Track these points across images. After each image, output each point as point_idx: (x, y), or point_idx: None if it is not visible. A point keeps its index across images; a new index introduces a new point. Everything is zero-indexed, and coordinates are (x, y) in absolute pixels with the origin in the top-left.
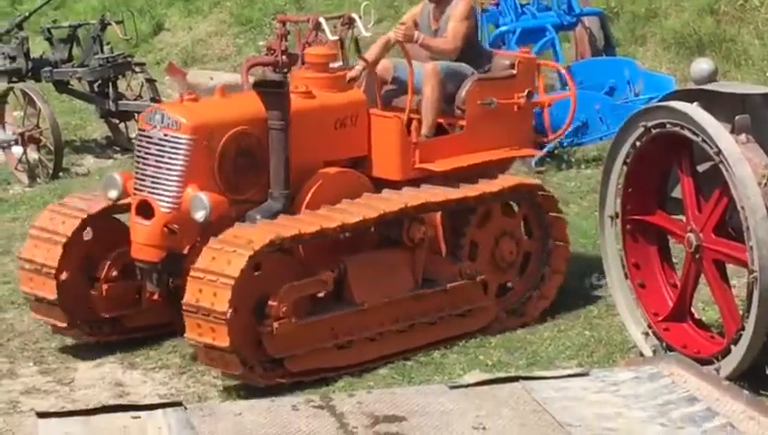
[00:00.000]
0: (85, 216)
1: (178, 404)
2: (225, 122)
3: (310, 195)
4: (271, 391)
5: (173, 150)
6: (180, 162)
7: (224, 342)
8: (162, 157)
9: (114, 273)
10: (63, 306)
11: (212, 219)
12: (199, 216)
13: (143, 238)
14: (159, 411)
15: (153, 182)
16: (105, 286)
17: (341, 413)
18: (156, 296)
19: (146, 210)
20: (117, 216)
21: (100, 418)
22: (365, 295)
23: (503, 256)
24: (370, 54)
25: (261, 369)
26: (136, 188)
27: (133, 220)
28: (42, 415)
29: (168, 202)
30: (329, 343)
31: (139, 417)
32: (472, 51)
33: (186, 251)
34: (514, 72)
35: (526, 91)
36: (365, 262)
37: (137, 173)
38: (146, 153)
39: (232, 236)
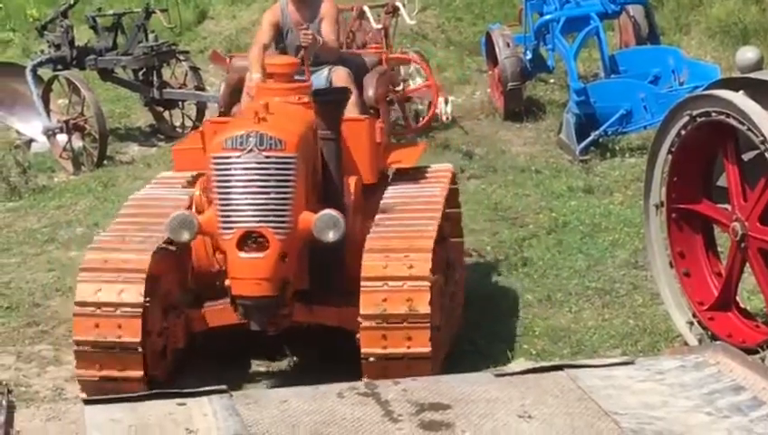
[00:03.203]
0: (145, 274)
1: (224, 391)
2: (304, 135)
3: (353, 203)
4: (315, 379)
5: (281, 172)
6: (290, 183)
7: (425, 346)
8: (268, 181)
9: (165, 324)
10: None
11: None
12: (332, 236)
13: (257, 273)
14: (205, 398)
15: (259, 210)
16: (158, 340)
17: (386, 401)
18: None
19: (253, 242)
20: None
21: (146, 404)
22: None
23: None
24: (257, 64)
25: None
26: (231, 221)
27: (237, 255)
28: (88, 402)
29: (283, 229)
30: None
31: (185, 404)
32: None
33: (292, 278)
34: (386, 67)
35: (402, 85)
36: None
37: (228, 204)
38: (241, 180)
39: (381, 245)
